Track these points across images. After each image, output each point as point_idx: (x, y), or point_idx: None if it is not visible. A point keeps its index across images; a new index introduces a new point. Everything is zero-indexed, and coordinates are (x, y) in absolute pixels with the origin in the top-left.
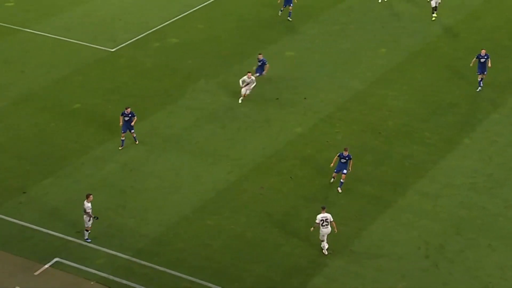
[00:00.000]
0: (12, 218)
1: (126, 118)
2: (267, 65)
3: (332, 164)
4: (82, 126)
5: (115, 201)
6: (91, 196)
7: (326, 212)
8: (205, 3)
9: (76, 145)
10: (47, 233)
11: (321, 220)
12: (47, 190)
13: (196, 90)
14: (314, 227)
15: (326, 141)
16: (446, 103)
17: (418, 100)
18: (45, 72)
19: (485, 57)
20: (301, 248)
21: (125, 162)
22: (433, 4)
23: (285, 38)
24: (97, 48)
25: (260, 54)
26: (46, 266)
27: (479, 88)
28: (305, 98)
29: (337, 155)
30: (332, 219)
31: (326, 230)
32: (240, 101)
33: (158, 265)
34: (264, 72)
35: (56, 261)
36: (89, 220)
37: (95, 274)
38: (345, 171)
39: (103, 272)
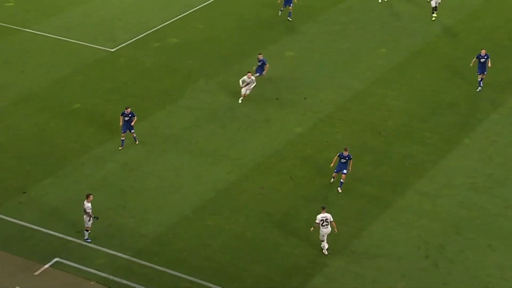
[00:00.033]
0: (12, 218)
1: (126, 118)
2: (267, 65)
3: (332, 164)
4: (82, 126)
5: (115, 201)
6: (91, 196)
7: (326, 212)
8: (205, 3)
9: (76, 145)
10: (47, 233)
11: (321, 220)
12: (47, 190)
13: (196, 90)
14: (314, 227)
15: (326, 141)
16: (446, 103)
17: (418, 100)
18: (45, 72)
19: (485, 57)
20: (301, 248)
21: (125, 162)
22: (433, 4)
23: (285, 38)
24: (97, 48)
25: (260, 54)
26: (46, 266)
27: (479, 88)
28: (305, 98)
29: (337, 155)
30: (332, 219)
31: (326, 230)
32: (240, 101)
33: (158, 265)
34: (264, 72)
35: (56, 261)
36: (89, 220)
37: (95, 274)
38: (345, 171)
39: (103, 272)
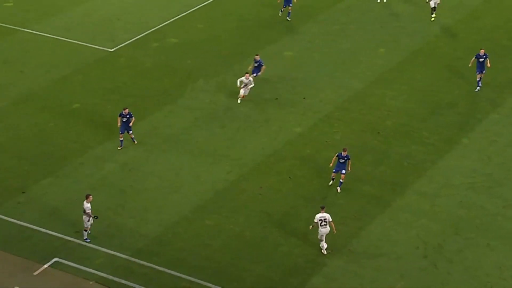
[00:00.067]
0: (11, 218)
1: (124, 119)
2: (264, 66)
3: (331, 164)
4: (81, 126)
5: (115, 201)
6: (91, 196)
7: (326, 212)
8: (205, 3)
9: (76, 145)
10: (47, 233)
11: (320, 220)
12: (47, 190)
13: (195, 90)
14: (312, 226)
15: (325, 141)
16: (445, 103)
17: (417, 100)
18: (45, 72)
19: (484, 56)
20: (300, 248)
21: (124, 162)
22: (432, 4)
23: (284, 38)
24: (97, 48)
25: (257, 55)
26: (46, 266)
27: (478, 87)
28: (304, 98)
29: (336, 155)
30: (331, 219)
31: (324, 230)
32: (239, 102)
33: (158, 265)
34: (259, 73)
35: (56, 261)
36: (89, 220)
37: (94, 274)
38: (343, 171)
39: (102, 272)
